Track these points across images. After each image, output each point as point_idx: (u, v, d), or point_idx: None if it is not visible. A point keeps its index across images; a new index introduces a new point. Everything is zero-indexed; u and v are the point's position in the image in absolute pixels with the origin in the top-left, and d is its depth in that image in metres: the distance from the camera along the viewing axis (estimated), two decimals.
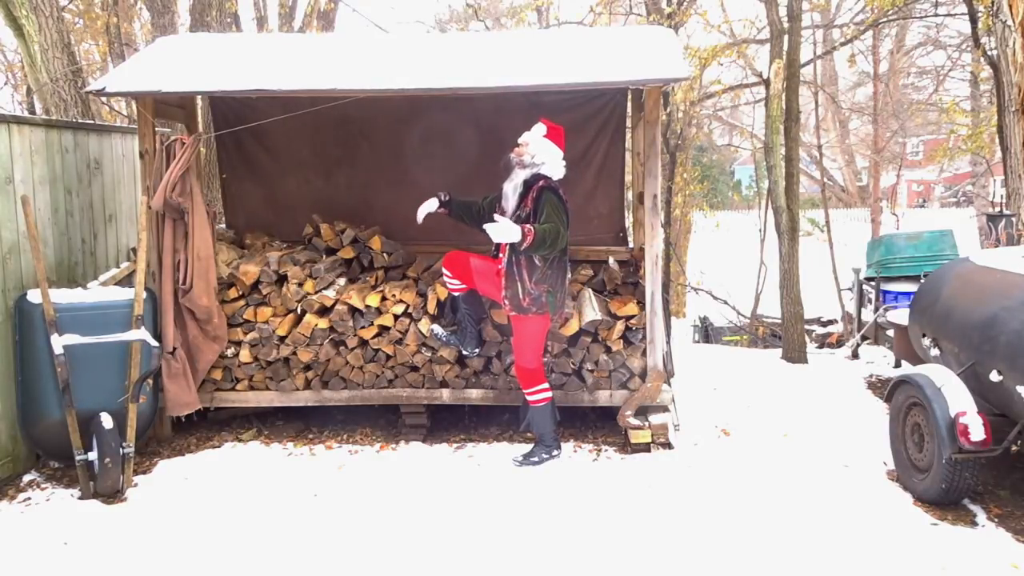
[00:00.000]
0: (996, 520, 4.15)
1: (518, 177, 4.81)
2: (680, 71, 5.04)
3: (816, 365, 7.85)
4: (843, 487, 4.56)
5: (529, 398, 5.03)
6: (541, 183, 4.77)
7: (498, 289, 4.89)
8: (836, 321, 11.75)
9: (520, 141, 4.84)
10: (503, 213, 4.88)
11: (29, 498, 4.59)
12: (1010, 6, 5.37)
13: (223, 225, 6.87)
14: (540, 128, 4.83)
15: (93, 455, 4.57)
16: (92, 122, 6.71)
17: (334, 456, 5.18)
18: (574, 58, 5.35)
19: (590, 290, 5.66)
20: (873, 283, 8.17)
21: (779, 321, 9.37)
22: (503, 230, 4.55)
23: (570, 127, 6.52)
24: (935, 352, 4.85)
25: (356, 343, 5.44)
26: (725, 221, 21.43)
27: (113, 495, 4.53)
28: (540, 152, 4.79)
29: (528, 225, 4.57)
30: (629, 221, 7.10)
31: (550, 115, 6.44)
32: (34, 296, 4.71)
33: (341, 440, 5.45)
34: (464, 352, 5.31)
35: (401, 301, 5.42)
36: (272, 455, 5.20)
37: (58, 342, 4.51)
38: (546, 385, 5.04)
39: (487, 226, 4.57)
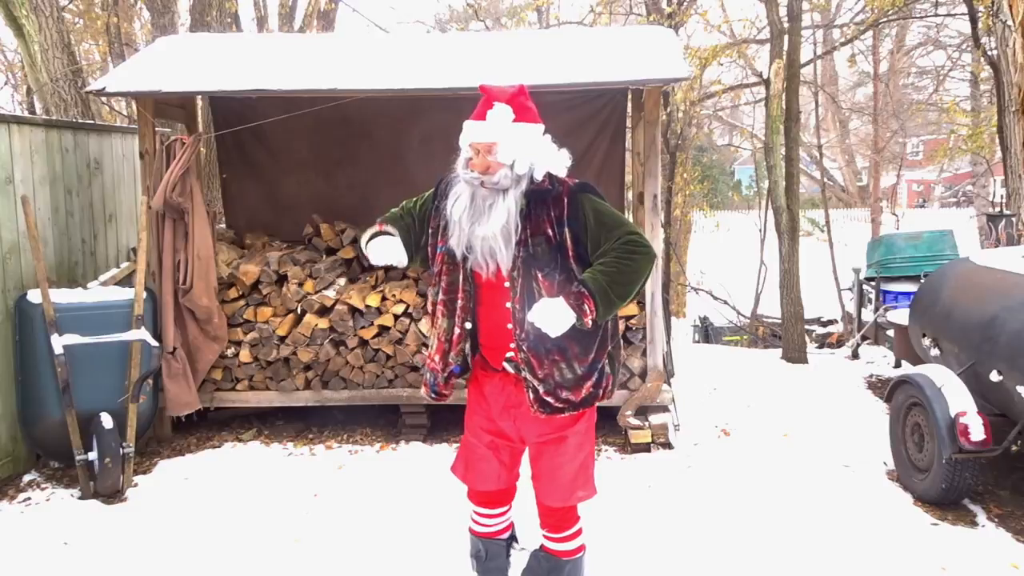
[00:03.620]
0: (996, 520, 4.15)
1: (503, 207, 2.67)
2: (680, 71, 5.05)
3: (816, 365, 7.85)
4: (843, 487, 4.56)
5: (565, 547, 2.98)
6: (564, 189, 2.74)
7: (507, 409, 2.87)
8: (836, 321, 11.75)
9: (475, 142, 2.69)
10: (446, 255, 2.80)
11: (29, 498, 4.59)
12: (1010, 6, 5.37)
13: (223, 225, 6.87)
14: (503, 110, 2.68)
15: (93, 455, 4.57)
16: (92, 122, 6.72)
17: (334, 456, 5.18)
18: (574, 58, 5.35)
19: None
20: (873, 283, 8.17)
21: (779, 321, 9.37)
22: (550, 315, 2.58)
23: (570, 127, 6.56)
24: (935, 352, 4.85)
25: (356, 343, 5.44)
26: (725, 221, 21.44)
27: (113, 495, 4.53)
28: (523, 151, 2.68)
29: (574, 289, 2.62)
30: None
31: (550, 115, 6.48)
32: (34, 296, 4.71)
33: (341, 440, 5.45)
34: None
35: (401, 301, 5.42)
36: (272, 455, 5.20)
37: (58, 342, 4.51)
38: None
39: (532, 319, 2.60)
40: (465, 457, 2.98)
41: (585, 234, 2.70)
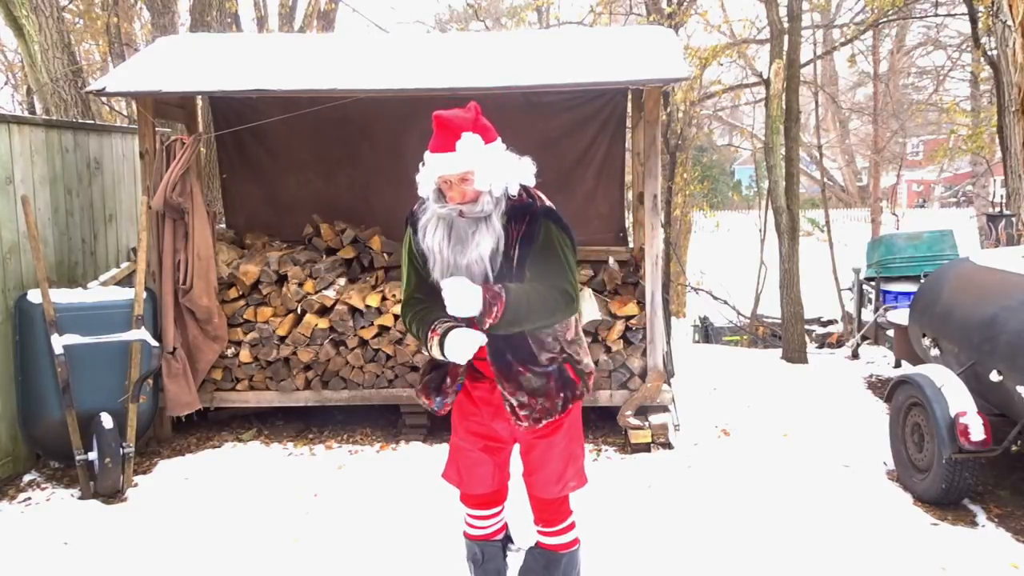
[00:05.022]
0: (996, 520, 4.15)
1: (489, 232, 2.63)
2: (680, 71, 5.05)
3: (816, 365, 7.85)
4: (843, 487, 4.56)
5: (559, 540, 2.99)
6: (531, 209, 2.69)
7: (499, 413, 2.82)
8: (836, 321, 11.75)
9: (448, 175, 2.59)
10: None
11: (29, 498, 4.59)
12: (1010, 6, 5.37)
13: (223, 225, 6.87)
14: (473, 139, 2.60)
15: (93, 455, 4.57)
16: (92, 122, 6.72)
17: (334, 456, 5.18)
18: (574, 58, 5.35)
19: (590, 290, 5.66)
20: (873, 283, 8.17)
21: (779, 321, 9.37)
22: (459, 295, 2.54)
23: (570, 127, 6.58)
24: (935, 352, 4.85)
25: (356, 343, 5.44)
26: (725, 221, 21.44)
27: (113, 495, 4.53)
28: (498, 172, 2.63)
29: (496, 289, 2.58)
30: (629, 221, 7.10)
31: (550, 115, 6.51)
32: (34, 296, 4.71)
33: (341, 440, 5.45)
34: None
35: (401, 301, 5.41)
36: (272, 455, 5.20)
37: (58, 342, 4.51)
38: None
39: (444, 286, 2.59)
40: (456, 462, 2.96)
41: (528, 257, 2.66)
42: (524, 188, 2.71)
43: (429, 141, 2.64)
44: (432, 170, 2.62)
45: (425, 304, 2.77)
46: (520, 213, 2.67)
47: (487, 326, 2.57)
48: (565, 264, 2.68)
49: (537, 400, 2.73)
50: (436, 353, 2.66)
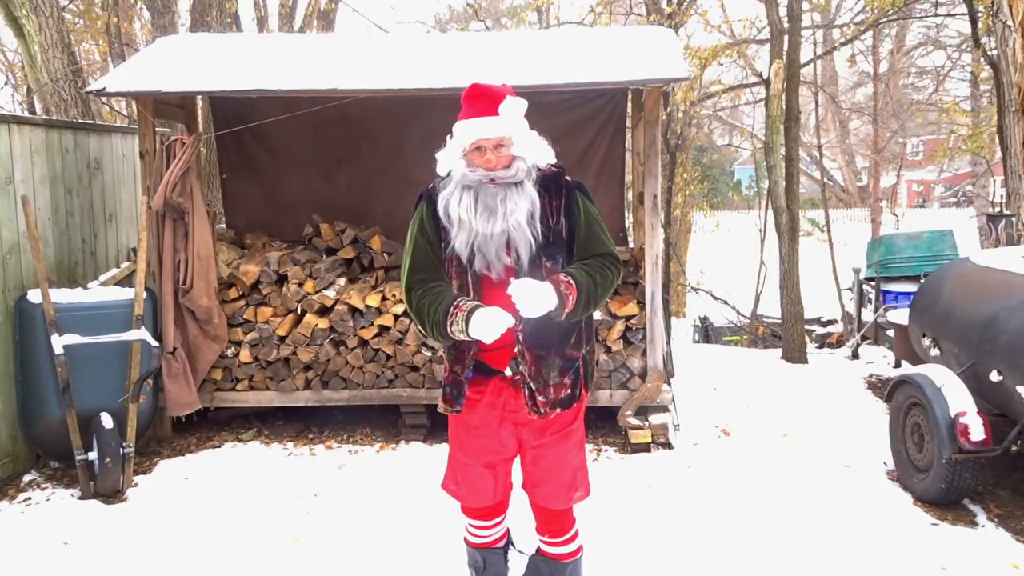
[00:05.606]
0: (996, 520, 4.15)
1: (522, 197, 2.59)
2: (680, 71, 5.05)
3: (816, 365, 7.85)
4: (843, 487, 4.56)
5: (565, 550, 2.98)
6: (563, 181, 2.74)
7: (507, 416, 2.77)
8: (836, 321, 11.75)
9: (484, 139, 2.58)
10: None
11: (29, 498, 4.59)
12: (1010, 6, 5.37)
13: (223, 225, 6.88)
14: (516, 103, 2.66)
15: (93, 455, 4.57)
16: (92, 122, 6.73)
17: (334, 456, 5.18)
18: (574, 58, 5.35)
19: None
20: (873, 283, 8.18)
21: (779, 321, 9.37)
22: (531, 295, 2.44)
23: (570, 127, 6.58)
24: (935, 352, 4.85)
25: (356, 343, 5.44)
26: (725, 221, 21.44)
27: (113, 495, 4.53)
28: (531, 144, 2.68)
29: (562, 277, 2.54)
30: (629, 221, 7.10)
31: (550, 115, 6.50)
32: (34, 296, 4.71)
33: (341, 440, 5.45)
34: None
35: (401, 301, 5.42)
36: (272, 455, 5.20)
37: (58, 342, 4.51)
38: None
39: (513, 291, 2.45)
40: (456, 475, 2.88)
41: (578, 226, 2.68)
42: (551, 167, 2.74)
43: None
44: (471, 133, 2.58)
45: (436, 283, 2.63)
46: (554, 183, 2.68)
47: (564, 316, 2.52)
48: (605, 233, 2.72)
49: (548, 391, 2.67)
50: (458, 330, 2.51)
